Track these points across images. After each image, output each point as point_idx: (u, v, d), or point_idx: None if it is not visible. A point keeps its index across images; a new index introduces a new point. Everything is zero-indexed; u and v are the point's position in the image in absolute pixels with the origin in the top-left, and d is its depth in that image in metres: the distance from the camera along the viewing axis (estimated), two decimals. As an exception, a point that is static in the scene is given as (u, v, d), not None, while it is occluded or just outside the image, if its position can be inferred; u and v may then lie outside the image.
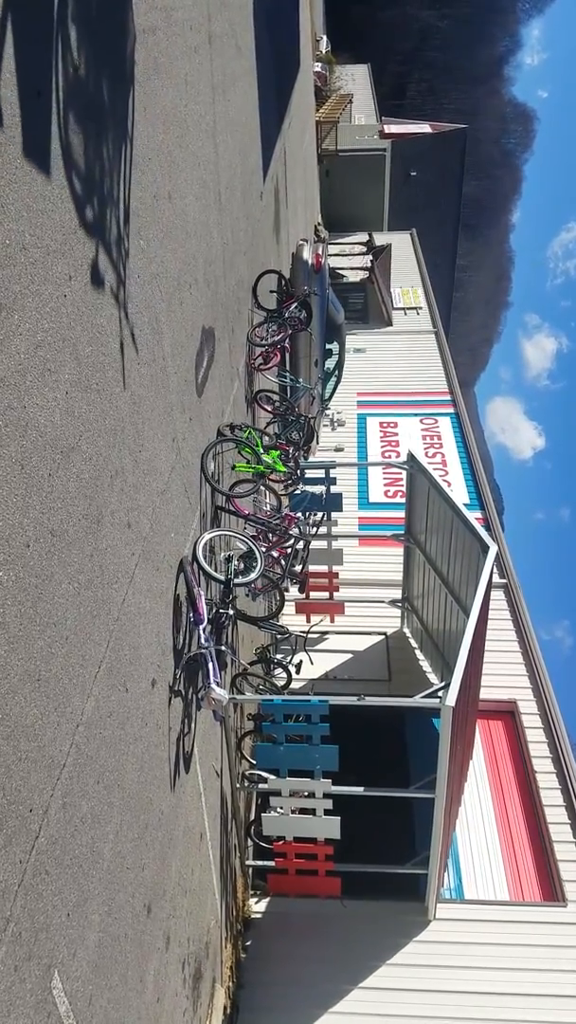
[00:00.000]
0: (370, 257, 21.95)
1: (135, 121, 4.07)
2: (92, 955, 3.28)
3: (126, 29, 3.95)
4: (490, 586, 7.39)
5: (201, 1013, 5.54)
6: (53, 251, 3.00)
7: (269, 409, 8.88)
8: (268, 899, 7.50)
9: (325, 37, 36.53)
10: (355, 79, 39.41)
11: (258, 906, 7.48)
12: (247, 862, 7.47)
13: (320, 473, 9.42)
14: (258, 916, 7.40)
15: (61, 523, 3.06)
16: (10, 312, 2.65)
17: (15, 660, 2.63)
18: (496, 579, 10.26)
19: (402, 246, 23.76)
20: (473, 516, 8.05)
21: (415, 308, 20.36)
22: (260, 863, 7.43)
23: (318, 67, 28.61)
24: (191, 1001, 5.21)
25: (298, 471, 8.56)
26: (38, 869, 2.75)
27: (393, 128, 32.73)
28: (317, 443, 13.40)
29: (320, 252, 12.09)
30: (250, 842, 7.50)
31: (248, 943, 7.16)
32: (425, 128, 34.12)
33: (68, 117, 3.14)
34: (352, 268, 22.18)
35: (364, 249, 22.99)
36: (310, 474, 9.26)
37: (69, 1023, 2.94)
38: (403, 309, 20.25)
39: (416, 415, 15.43)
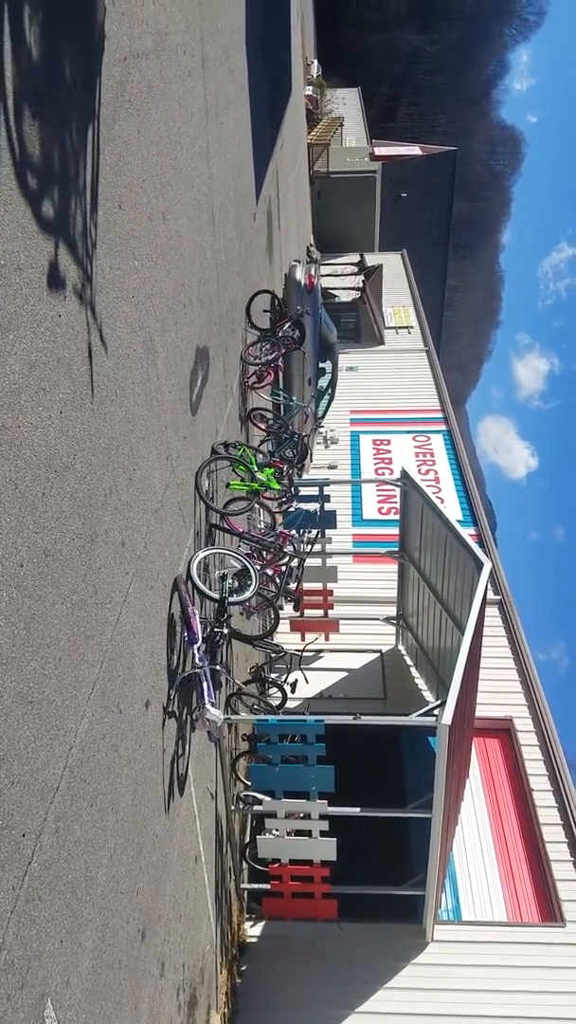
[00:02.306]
0: (362, 277, 22.17)
1: (129, 143, 4.12)
2: (86, 982, 3.22)
3: (120, 54, 4.00)
4: (485, 603, 7.38)
5: (196, 1041, 5.44)
6: (47, 271, 3.02)
7: (263, 427, 8.90)
8: (264, 923, 7.39)
9: (316, 61, 37.15)
10: (346, 102, 40.02)
11: (254, 930, 7.36)
12: (242, 885, 7.37)
13: (314, 490, 9.44)
14: (254, 940, 7.28)
15: (55, 542, 3.05)
16: (5, 332, 2.65)
17: (8, 682, 2.60)
18: (490, 596, 10.25)
19: (393, 266, 24.01)
20: (467, 533, 8.06)
21: (407, 327, 20.55)
22: (255, 886, 7.33)
23: (309, 90, 29.06)
24: (186, 1029, 5.11)
25: (292, 489, 8.56)
26: (31, 895, 2.70)
27: (383, 150, 33.20)
28: (311, 461, 13.42)
29: (312, 272, 12.20)
30: (245, 865, 7.40)
31: (244, 968, 7.04)
32: (415, 150, 34.62)
33: (62, 139, 3.17)
34: (344, 288, 22.39)
35: (356, 269, 23.21)
36: (304, 491, 9.27)
37: (62, 1054, 2.88)
38: (395, 328, 20.43)
39: (409, 432, 15.51)
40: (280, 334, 9.07)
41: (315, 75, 34.07)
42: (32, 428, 2.86)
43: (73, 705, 3.19)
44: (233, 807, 6.93)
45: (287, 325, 9.26)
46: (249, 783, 6.89)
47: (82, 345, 3.38)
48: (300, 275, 11.91)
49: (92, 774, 3.37)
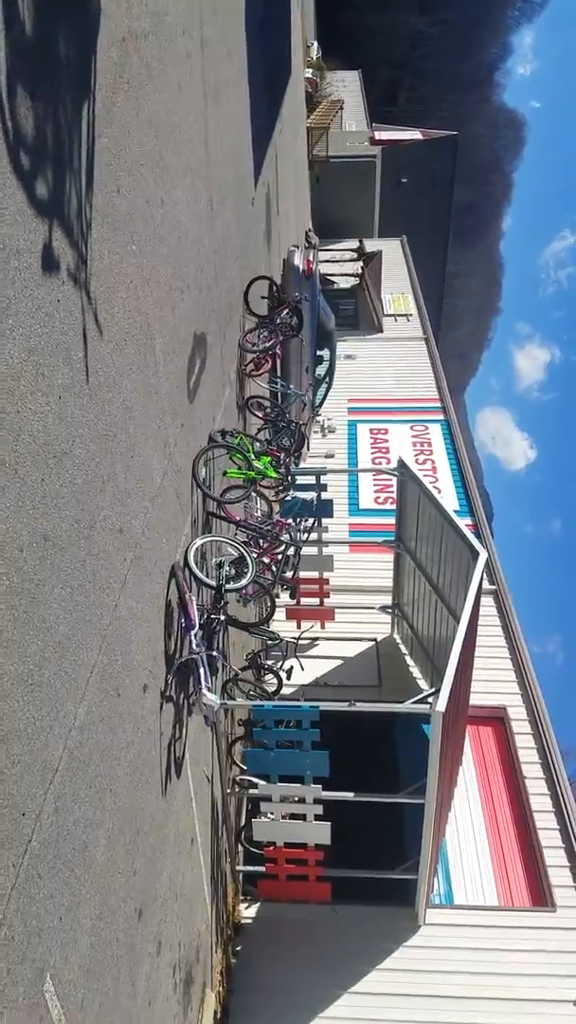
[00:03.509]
0: (361, 264, 22.07)
1: (127, 126, 4.10)
2: (84, 959, 3.28)
3: (118, 34, 3.98)
4: (480, 592, 7.43)
5: (192, 1018, 5.53)
6: (47, 256, 3.02)
7: (260, 415, 8.90)
8: (258, 904, 7.49)
9: (316, 43, 36.76)
10: (346, 85, 39.64)
11: (248, 911, 7.46)
12: (238, 867, 7.46)
13: (311, 479, 9.45)
14: (248, 921, 7.39)
15: (54, 528, 3.07)
16: (4, 316, 2.66)
17: (8, 665, 2.64)
18: (486, 586, 10.31)
19: (392, 253, 23.89)
20: (463, 523, 8.10)
21: (405, 315, 20.47)
22: (250, 868, 7.42)
23: (309, 73, 28.78)
24: (182, 1006, 5.20)
25: (289, 477, 8.58)
26: (31, 873, 2.75)
27: (384, 135, 32.94)
28: (308, 449, 13.43)
29: (311, 258, 12.14)
30: (240, 847, 7.49)
31: (238, 948, 7.14)
32: (416, 135, 34.35)
33: (60, 122, 3.16)
34: (343, 275, 22.28)
35: (355, 256, 23.09)
36: (301, 480, 9.28)
37: (60, 1028, 2.94)
38: (393, 315, 20.35)
39: (406, 422, 15.51)
40: (278, 321, 9.05)
41: (315, 57, 33.74)
42: (31, 414, 2.88)
43: (72, 688, 3.23)
44: (229, 790, 7.01)
45: (285, 312, 9.24)
46: (245, 767, 6.96)
47: (80, 330, 3.39)
48: (299, 261, 11.85)
49: (91, 756, 3.42)
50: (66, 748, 3.13)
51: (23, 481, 2.79)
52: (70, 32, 3.28)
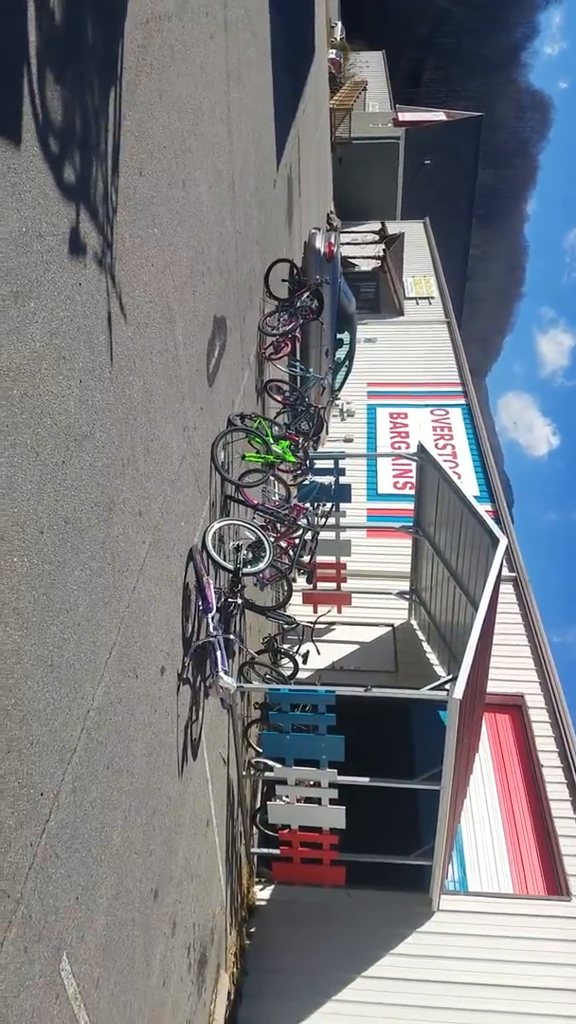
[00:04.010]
0: (382, 246, 21.80)
1: (150, 108, 4.05)
2: (100, 938, 3.32)
3: (142, 16, 3.92)
4: (499, 579, 7.37)
5: (206, 998, 5.61)
6: (68, 239, 3.00)
7: (279, 399, 8.86)
8: (273, 887, 7.56)
9: (340, 23, 36.15)
10: (369, 66, 39.01)
11: (263, 893, 7.53)
12: (252, 849, 7.52)
13: (329, 463, 9.41)
14: (263, 903, 7.46)
15: (74, 511, 3.08)
16: (26, 300, 2.65)
17: (29, 645, 2.65)
18: (505, 573, 10.23)
19: (415, 235, 23.58)
20: (483, 509, 8.02)
21: (427, 298, 20.22)
22: (265, 851, 7.48)
23: (332, 54, 28.33)
24: (196, 986, 5.27)
25: (307, 461, 8.54)
26: (48, 852, 2.78)
27: (407, 116, 32.41)
28: (326, 433, 13.38)
29: (332, 241, 12.01)
30: (255, 830, 7.55)
31: (252, 930, 7.22)
32: (440, 116, 33.78)
33: (83, 105, 3.13)
34: (364, 257, 22.04)
35: (376, 238, 22.82)
36: (319, 464, 9.24)
37: (77, 1005, 2.98)
38: (415, 299, 20.11)
39: (427, 406, 15.37)
40: (298, 304, 8.97)
41: (338, 38, 33.19)
42: (53, 397, 2.87)
43: (91, 669, 3.24)
44: (244, 773, 7.05)
45: (306, 295, 9.15)
46: (260, 750, 7.00)
47: (102, 314, 3.37)
48: (320, 243, 11.72)
49: (109, 737, 3.44)
50: (84, 729, 3.16)
51: (44, 464, 2.79)
52: (97, 15, 3.24)
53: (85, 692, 3.18)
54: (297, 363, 10.24)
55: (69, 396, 3.03)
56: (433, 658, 9.83)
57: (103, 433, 3.40)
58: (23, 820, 2.58)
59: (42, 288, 2.77)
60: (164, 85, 4.31)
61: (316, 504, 8.80)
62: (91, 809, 3.22)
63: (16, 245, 2.57)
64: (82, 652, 3.15)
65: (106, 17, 3.39)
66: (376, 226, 24.04)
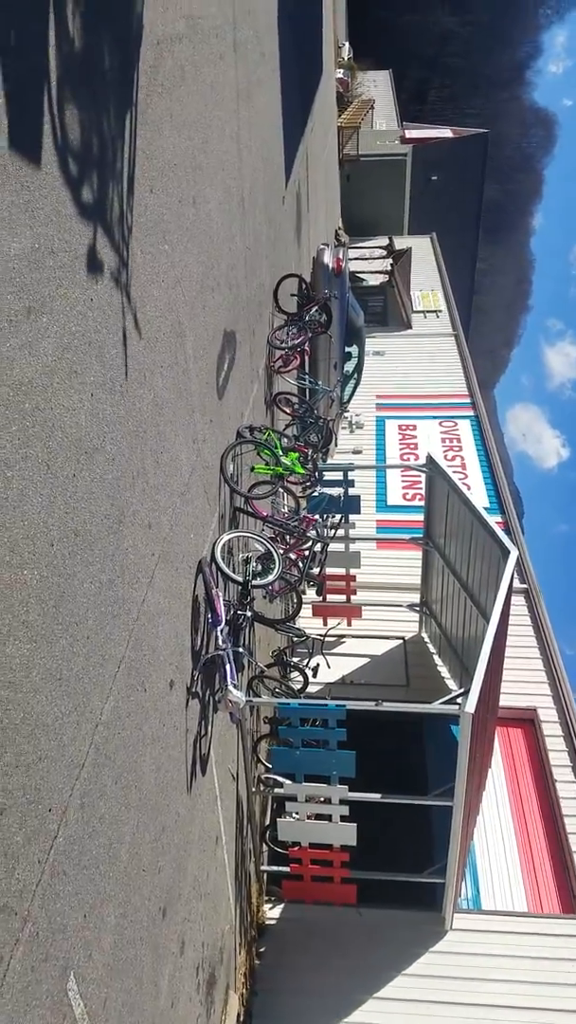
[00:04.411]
0: (390, 261, 21.91)
1: (161, 127, 4.09)
2: (108, 958, 3.27)
3: (153, 37, 3.97)
4: (510, 591, 7.31)
5: (215, 1020, 5.52)
6: (80, 255, 3.02)
7: (288, 411, 8.88)
8: (283, 905, 7.46)
9: (347, 44, 36.61)
10: (376, 85, 39.44)
11: (273, 912, 7.43)
12: (262, 867, 7.43)
13: (338, 475, 9.39)
14: (272, 922, 7.35)
15: (84, 523, 3.07)
16: (39, 314, 2.66)
17: (38, 658, 2.64)
18: (516, 584, 10.16)
19: (422, 250, 23.70)
20: (493, 520, 7.97)
21: (435, 311, 20.29)
22: (275, 868, 7.39)
23: (340, 73, 28.67)
24: (205, 1007, 5.18)
25: (316, 473, 8.54)
26: (56, 869, 2.75)
27: (414, 133, 32.69)
28: (335, 445, 13.39)
29: (340, 256, 12.08)
30: (265, 847, 7.46)
31: (262, 950, 7.12)
32: (446, 133, 34.03)
33: (95, 124, 3.16)
34: (372, 272, 22.14)
35: (384, 253, 22.93)
36: (328, 476, 9.23)
37: (85, 1025, 2.93)
38: (423, 312, 20.19)
39: (435, 418, 15.36)
40: (307, 318, 9.02)
41: (346, 58, 33.60)
42: (64, 410, 2.88)
43: (100, 683, 3.22)
44: (254, 789, 6.98)
45: (314, 309, 9.20)
46: (270, 766, 6.93)
47: (113, 328, 3.39)
48: (328, 258, 11.80)
49: (117, 751, 3.41)
50: (92, 743, 3.13)
51: (55, 477, 2.79)
52: (111, 38, 3.28)
53: (93, 706, 3.16)
54: (306, 376, 10.27)
55: (80, 409, 3.03)
56: (444, 671, 9.74)
57: (113, 446, 3.41)
58: (31, 836, 2.55)
59: (54, 303, 2.78)
60: (174, 104, 4.36)
61: (325, 516, 8.77)
62: (99, 825, 3.18)
63: (29, 261, 2.59)
64: (91, 665, 3.13)
65: (120, 40, 3.44)
66: (384, 241, 24.16)
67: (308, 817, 6.63)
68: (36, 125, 2.64)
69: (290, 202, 10.51)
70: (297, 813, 6.61)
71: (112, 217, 3.37)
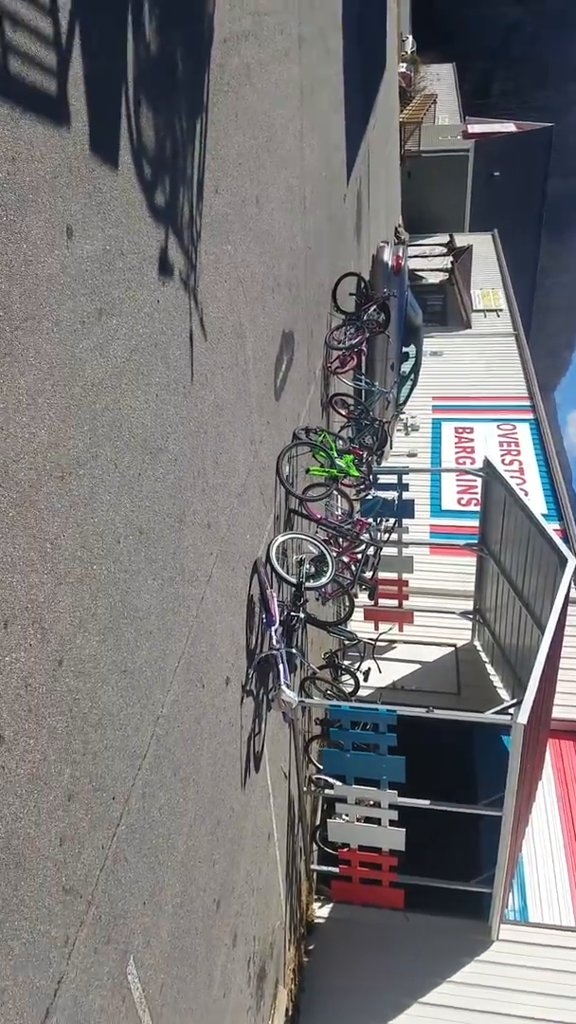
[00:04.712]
0: (450, 259, 21.62)
1: (226, 127, 4.15)
2: (165, 945, 3.35)
3: (220, 36, 4.03)
4: (567, 601, 7.15)
5: (264, 1012, 5.58)
6: (148, 257, 3.09)
7: (344, 413, 8.86)
8: (332, 905, 7.48)
9: (411, 37, 36.23)
10: (439, 78, 38.92)
11: (322, 911, 7.46)
12: (312, 866, 7.47)
13: (392, 478, 9.33)
14: (321, 921, 7.39)
15: (148, 521, 3.15)
16: (109, 316, 2.74)
17: (105, 651, 2.72)
18: (573, 594, 9.91)
19: (483, 247, 23.28)
20: (551, 527, 7.81)
21: (495, 310, 19.92)
22: (325, 868, 7.42)
23: (403, 67, 28.41)
24: (255, 999, 5.25)
25: (370, 476, 8.50)
26: (118, 856, 2.84)
27: (477, 128, 32.15)
28: (390, 448, 13.28)
29: (400, 254, 11.98)
30: (315, 847, 7.49)
31: (311, 947, 7.16)
32: (510, 127, 33.35)
33: (163, 125, 3.23)
34: (432, 270, 21.89)
35: (444, 251, 22.65)
36: (382, 479, 9.18)
37: (142, 1009, 3.02)
38: (483, 311, 19.83)
39: (493, 420, 15.09)
40: (365, 317, 8.97)
41: (409, 51, 33.27)
42: (131, 411, 2.96)
43: (161, 676, 3.30)
44: (305, 789, 7.02)
45: (372, 308, 9.14)
46: (321, 767, 6.95)
47: (177, 330, 3.46)
48: (388, 257, 11.71)
49: (177, 744, 3.49)
50: (154, 735, 3.21)
51: (123, 476, 2.87)
52: (182, 37, 3.35)
53: (155, 699, 3.24)
54: (362, 377, 10.23)
55: (146, 410, 3.11)
56: (497, 681, 9.58)
57: (176, 446, 3.48)
58: (96, 823, 2.64)
59: (123, 305, 2.86)
60: (240, 103, 4.41)
61: (379, 519, 8.73)
62: (159, 815, 3.26)
63: (100, 263, 2.67)
64: (153, 659, 3.21)
65: (191, 40, 3.50)
66: (444, 238, 23.87)
67: (358, 819, 6.63)
68: (113, 127, 2.71)
69: (351, 200, 10.48)
70: (347, 815, 6.62)
71: (179, 218, 3.44)
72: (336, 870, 7.11)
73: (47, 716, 2.30)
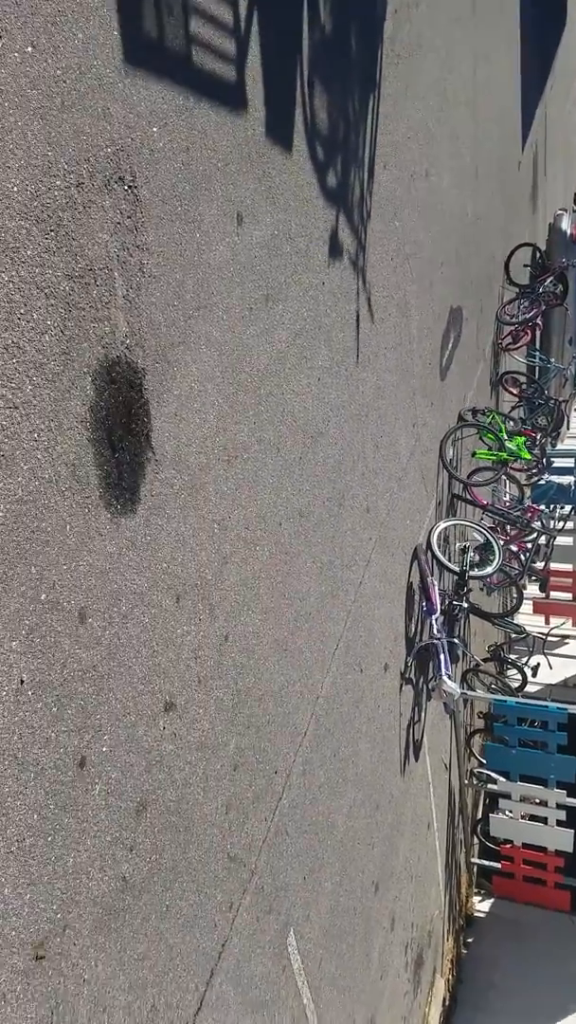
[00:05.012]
0: None
1: (396, 99, 4.04)
2: (324, 921, 3.42)
3: (392, 6, 3.91)
4: None
5: (421, 999, 5.55)
6: (316, 239, 3.09)
7: (515, 392, 8.40)
8: (492, 900, 7.26)
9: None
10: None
11: (482, 905, 7.28)
12: (472, 859, 7.28)
13: (569, 462, 8.71)
14: (481, 915, 7.21)
15: (308, 504, 3.18)
16: (275, 302, 2.78)
17: (267, 629, 2.80)
18: None
19: None
20: None
21: None
22: (485, 862, 7.20)
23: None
24: (412, 985, 5.23)
25: (544, 459, 8.00)
26: (280, 829, 2.92)
27: None
28: (567, 429, 12.41)
29: (580, 221, 11.09)
30: (476, 840, 7.29)
31: (470, 940, 7.01)
32: None
33: (336, 102, 3.20)
34: (615, 236, 20.07)
35: (631, 213, 20.65)
36: (557, 463, 8.60)
37: (301, 980, 3.10)
38: None
39: None
40: (541, 290, 8.42)
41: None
42: (293, 395, 2.99)
43: (320, 658, 3.34)
44: (466, 781, 6.83)
45: (549, 280, 8.56)
46: (483, 761, 6.73)
47: (342, 312, 3.44)
48: (566, 225, 10.91)
49: (336, 725, 3.52)
50: (313, 715, 3.26)
51: (284, 459, 2.92)
52: (356, 13, 3.29)
53: (315, 680, 3.28)
54: (537, 353, 9.64)
55: (308, 394, 3.13)
56: None
57: (336, 429, 3.48)
58: (259, 795, 2.74)
59: (289, 290, 2.89)
60: (411, 74, 4.28)
61: (552, 506, 8.20)
62: (319, 793, 3.32)
63: (268, 249, 2.71)
64: (312, 640, 3.25)
65: (364, 15, 3.43)
66: (631, 199, 21.75)
67: (522, 817, 6.34)
68: (287, 111, 2.73)
69: (526, 167, 9.86)
70: (511, 811, 6.36)
71: (348, 197, 3.40)
72: (498, 865, 6.86)
73: (214, 688, 2.41)
